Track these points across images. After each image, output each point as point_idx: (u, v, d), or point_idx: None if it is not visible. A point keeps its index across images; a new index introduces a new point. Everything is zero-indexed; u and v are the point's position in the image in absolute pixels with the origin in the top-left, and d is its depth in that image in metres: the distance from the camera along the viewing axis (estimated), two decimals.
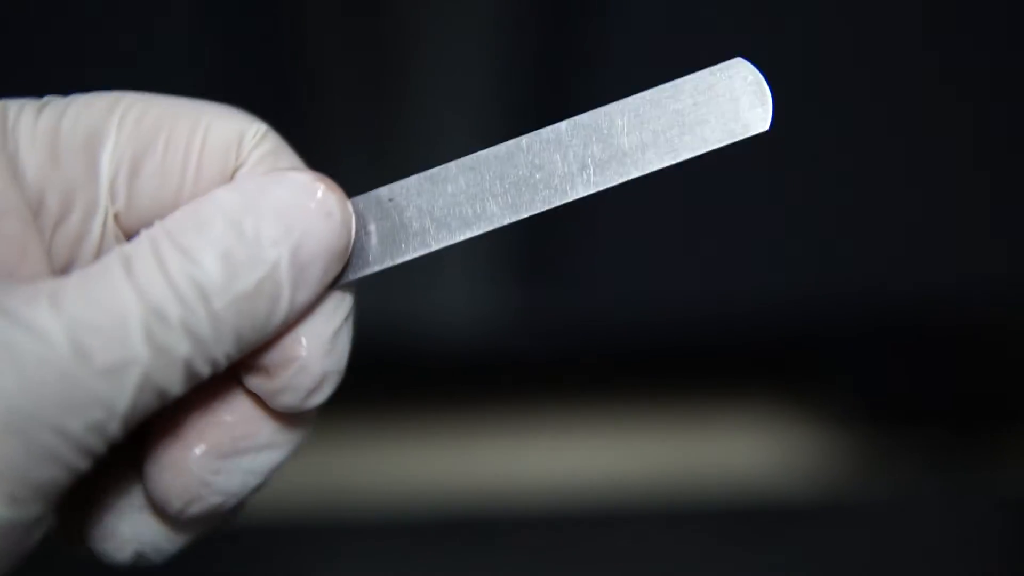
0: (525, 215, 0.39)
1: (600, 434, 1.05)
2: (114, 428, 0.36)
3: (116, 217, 0.43)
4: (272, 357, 0.40)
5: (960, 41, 1.00)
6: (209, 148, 0.44)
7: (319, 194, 0.42)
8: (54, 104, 0.43)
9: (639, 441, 1.03)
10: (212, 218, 0.42)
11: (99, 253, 0.43)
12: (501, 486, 1.02)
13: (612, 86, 0.99)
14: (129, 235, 0.43)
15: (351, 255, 0.42)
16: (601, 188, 0.38)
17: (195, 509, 0.40)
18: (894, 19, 1.01)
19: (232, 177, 0.44)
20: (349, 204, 0.41)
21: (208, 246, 0.41)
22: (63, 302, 0.39)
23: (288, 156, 0.44)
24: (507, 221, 0.39)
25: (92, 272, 0.40)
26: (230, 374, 0.40)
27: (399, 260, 0.41)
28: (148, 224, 0.42)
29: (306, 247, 0.41)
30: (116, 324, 0.39)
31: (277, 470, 0.41)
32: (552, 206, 0.39)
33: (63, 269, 0.43)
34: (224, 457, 0.41)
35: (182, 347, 0.39)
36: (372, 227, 0.42)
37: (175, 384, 0.38)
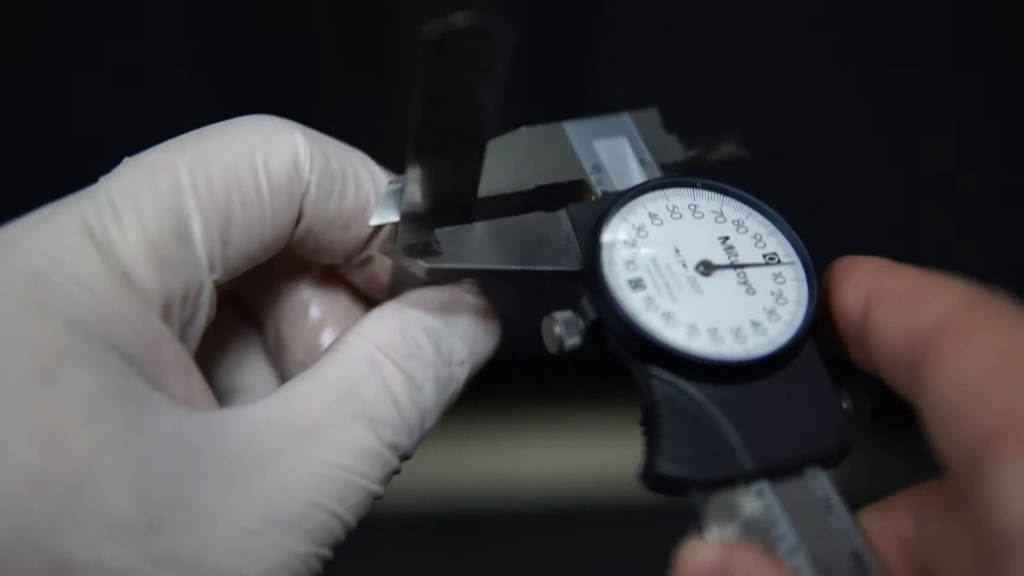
0: None
1: (602, 433, 1.00)
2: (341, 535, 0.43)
3: (214, 284, 0.44)
4: None
5: None
6: (276, 190, 0.44)
7: (494, 322, 0.48)
8: (123, 203, 0.42)
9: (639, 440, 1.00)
10: (422, 342, 0.45)
11: (206, 326, 0.44)
12: (501, 485, 0.99)
13: (613, 84, 0.91)
14: (220, 290, 0.45)
15: None
16: None
17: None
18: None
19: (299, 204, 0.45)
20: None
21: (427, 371, 0.45)
22: (308, 440, 0.42)
23: (334, 167, 0.46)
24: None
25: (322, 404, 0.43)
26: None
27: None
28: (235, 274, 0.45)
29: (479, 361, 0.48)
30: (360, 465, 0.43)
31: None
32: None
33: (201, 361, 0.44)
34: None
35: (394, 464, 0.44)
36: None
37: (380, 490, 0.44)
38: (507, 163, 0.48)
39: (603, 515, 0.94)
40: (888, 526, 0.42)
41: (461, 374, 0.47)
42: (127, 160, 0.44)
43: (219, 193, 0.43)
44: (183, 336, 0.44)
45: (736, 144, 0.52)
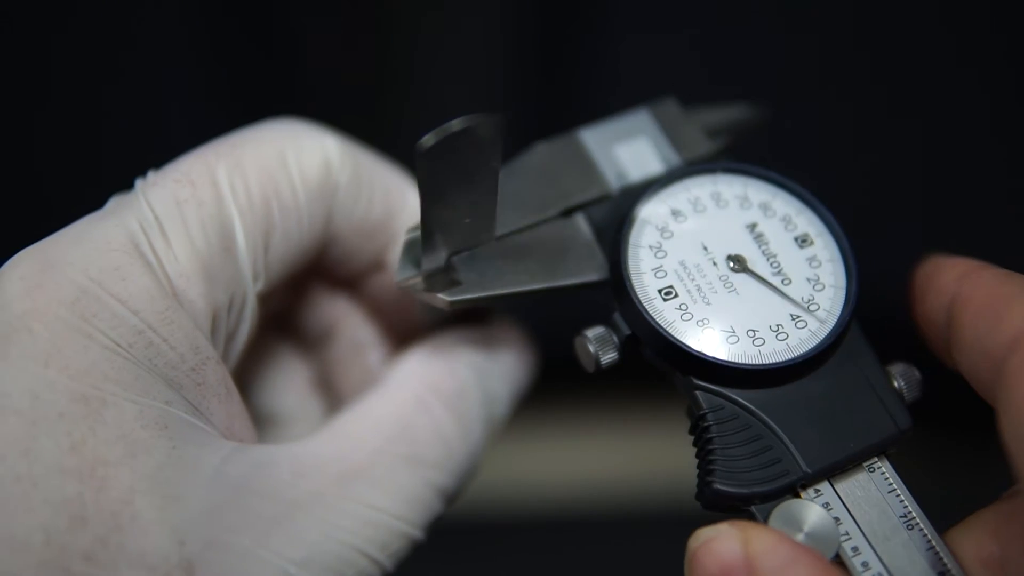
0: None
1: (605, 435, 0.98)
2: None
3: (256, 295, 0.43)
4: None
5: None
6: (310, 194, 0.43)
7: (532, 358, 0.47)
8: (167, 216, 0.40)
9: (643, 441, 0.98)
10: (470, 382, 0.44)
11: (250, 339, 0.44)
12: (502, 487, 0.97)
13: (612, 72, 0.88)
14: (267, 311, 0.44)
15: None
16: None
17: None
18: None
19: (332, 202, 0.44)
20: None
21: (476, 411, 0.44)
22: (355, 482, 0.40)
23: (363, 172, 0.45)
24: None
25: (371, 444, 0.41)
26: None
27: None
28: (275, 283, 0.44)
29: (520, 396, 0.46)
30: (406, 509, 0.41)
31: None
32: None
33: (238, 378, 0.43)
34: None
35: (439, 509, 0.43)
36: None
37: (422, 536, 0.42)
38: (527, 189, 0.45)
39: (607, 517, 0.93)
40: (970, 544, 0.40)
41: (505, 411, 0.46)
42: (161, 171, 0.42)
43: (258, 200, 0.42)
44: (226, 351, 0.43)
45: (757, 110, 0.50)
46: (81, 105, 0.90)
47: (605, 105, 0.93)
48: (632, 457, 0.96)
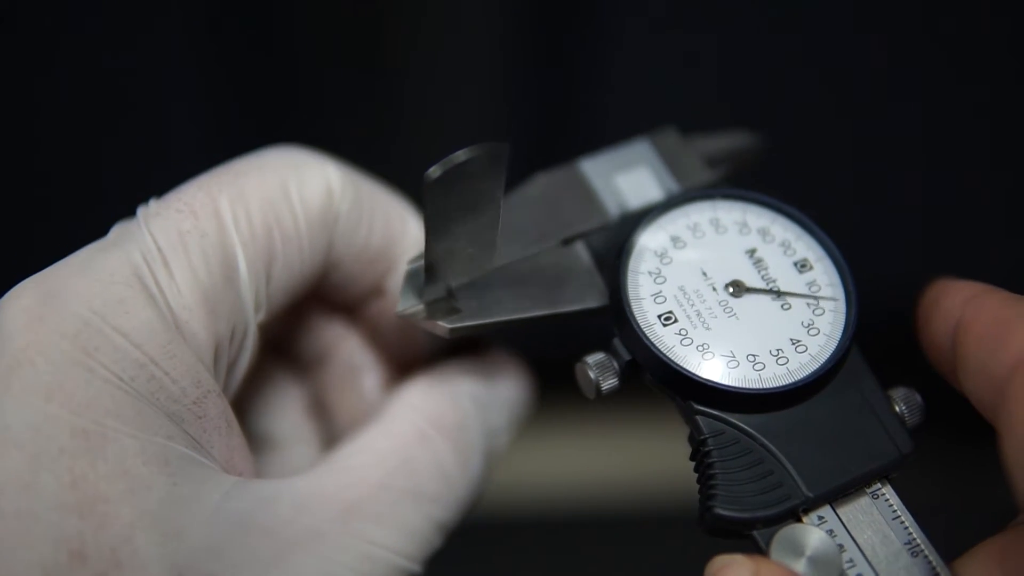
0: None
1: (609, 435, 0.98)
2: None
3: (257, 325, 0.43)
4: None
5: None
6: (311, 223, 0.43)
7: (530, 389, 0.48)
8: (170, 247, 0.40)
9: (646, 442, 0.97)
10: (470, 414, 0.44)
11: (249, 368, 0.44)
12: (505, 487, 0.97)
13: (611, 73, 0.88)
14: (262, 330, 0.44)
15: None
16: None
17: None
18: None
19: (333, 230, 0.44)
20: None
21: (476, 444, 0.44)
22: (355, 517, 0.40)
23: (364, 199, 0.45)
24: None
25: (373, 478, 0.41)
26: None
27: None
28: (276, 312, 0.44)
29: (520, 427, 0.48)
30: (406, 544, 0.41)
31: None
32: None
33: (233, 403, 0.42)
34: None
35: (437, 543, 0.43)
36: None
37: (420, 571, 0.42)
38: (527, 219, 0.46)
39: (608, 517, 0.93)
40: (975, 573, 0.40)
41: (504, 443, 0.46)
42: (163, 199, 0.42)
43: (260, 230, 0.42)
44: (226, 382, 0.43)
45: (755, 138, 0.50)
46: (81, 105, 0.90)
47: (604, 107, 0.93)
48: (635, 457, 0.97)
